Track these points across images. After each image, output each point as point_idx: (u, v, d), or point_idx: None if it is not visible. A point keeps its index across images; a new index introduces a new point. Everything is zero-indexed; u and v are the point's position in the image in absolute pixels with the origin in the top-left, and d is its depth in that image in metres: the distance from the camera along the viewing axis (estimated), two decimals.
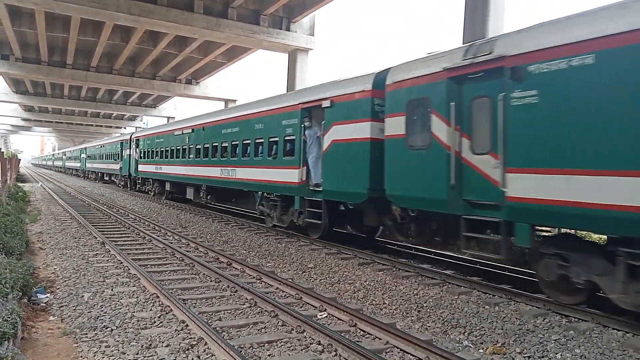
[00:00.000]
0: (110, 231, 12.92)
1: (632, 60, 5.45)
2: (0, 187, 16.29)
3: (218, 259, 9.59)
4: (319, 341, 5.16)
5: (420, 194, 8.28)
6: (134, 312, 6.10)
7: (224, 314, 6.18)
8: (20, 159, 46.29)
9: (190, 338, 5.18)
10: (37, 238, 11.57)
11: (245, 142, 14.58)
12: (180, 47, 29.18)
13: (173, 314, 5.98)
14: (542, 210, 6.30)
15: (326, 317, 6.14)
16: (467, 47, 7.68)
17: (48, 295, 6.75)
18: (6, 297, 5.33)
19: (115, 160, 32.88)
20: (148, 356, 4.72)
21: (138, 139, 27.47)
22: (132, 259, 9.01)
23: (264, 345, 5.09)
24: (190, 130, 19.47)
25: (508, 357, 5.10)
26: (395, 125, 8.78)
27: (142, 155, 26.50)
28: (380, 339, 5.35)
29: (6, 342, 4.26)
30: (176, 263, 9.25)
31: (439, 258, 9.93)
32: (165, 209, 19.84)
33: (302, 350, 5.03)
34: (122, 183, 32.06)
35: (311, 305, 6.61)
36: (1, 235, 8.53)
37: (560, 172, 6.09)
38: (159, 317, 5.88)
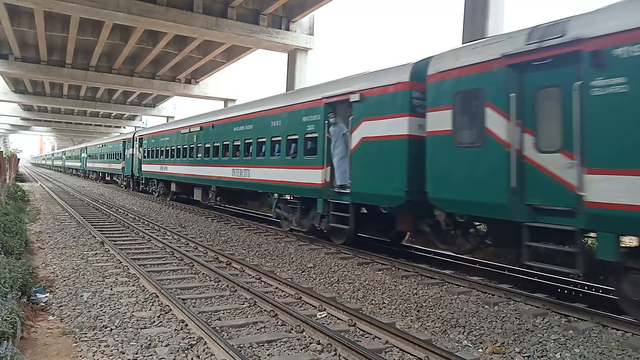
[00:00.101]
0: (110, 231, 12.91)
1: None
2: None
3: (217, 258, 9.59)
4: (319, 341, 5.17)
5: (473, 197, 7.36)
6: (133, 311, 6.10)
7: (224, 313, 6.18)
8: (19, 159, 46.22)
9: (190, 338, 5.18)
10: (37, 237, 11.55)
11: (260, 140, 13.66)
12: (180, 46, 29.13)
13: (172, 314, 5.98)
14: (634, 219, 5.40)
15: (325, 316, 6.14)
16: (529, 31, 6.75)
17: (47, 294, 6.74)
18: (5, 297, 5.32)
19: (118, 159, 32.13)
20: (147, 356, 4.72)
21: (142, 138, 26.50)
22: (131, 258, 9.01)
23: (263, 345, 5.09)
24: (198, 129, 18.48)
25: (507, 356, 5.11)
26: (440, 121, 7.88)
27: (146, 154, 25.47)
28: (379, 338, 5.35)
29: (5, 341, 4.26)
30: (175, 263, 9.25)
31: (438, 258, 9.92)
32: (164, 208, 19.82)
33: (301, 349, 5.03)
34: (125, 183, 31.24)
35: (310, 304, 6.61)
36: (0, 234, 8.52)
37: None
38: (158, 317, 5.88)
